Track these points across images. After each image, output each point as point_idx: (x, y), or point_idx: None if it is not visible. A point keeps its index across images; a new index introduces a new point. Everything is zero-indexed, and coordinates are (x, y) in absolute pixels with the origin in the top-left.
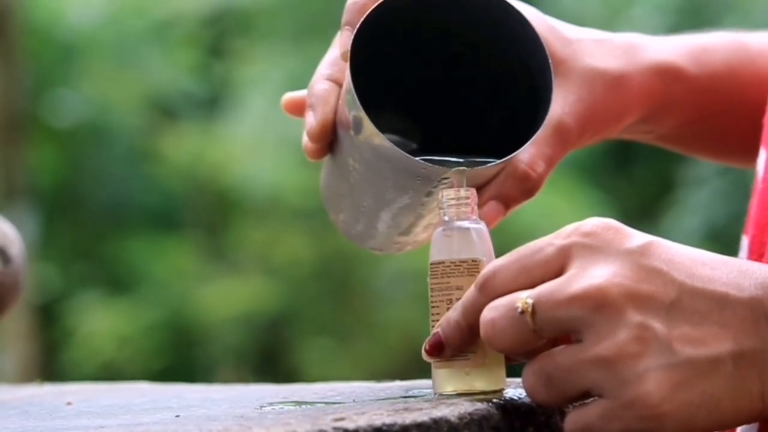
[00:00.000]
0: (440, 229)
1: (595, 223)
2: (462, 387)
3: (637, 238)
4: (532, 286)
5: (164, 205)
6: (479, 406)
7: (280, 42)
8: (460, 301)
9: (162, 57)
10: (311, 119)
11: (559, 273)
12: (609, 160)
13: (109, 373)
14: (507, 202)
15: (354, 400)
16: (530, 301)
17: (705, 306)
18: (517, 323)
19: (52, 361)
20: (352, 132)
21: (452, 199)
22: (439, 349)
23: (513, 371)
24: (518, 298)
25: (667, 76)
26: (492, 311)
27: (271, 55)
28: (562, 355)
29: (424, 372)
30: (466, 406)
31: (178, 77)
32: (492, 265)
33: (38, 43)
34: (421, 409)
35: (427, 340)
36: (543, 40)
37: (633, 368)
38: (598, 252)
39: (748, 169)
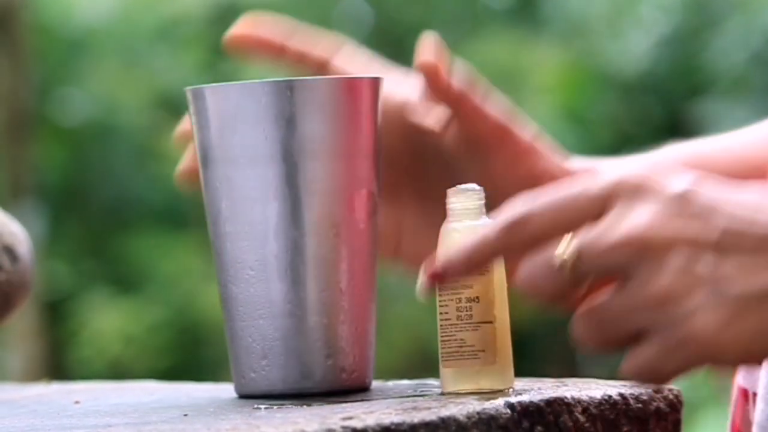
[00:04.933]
0: (448, 226)
1: (631, 173)
2: (471, 386)
3: (680, 181)
4: (569, 230)
5: (171, 204)
6: (488, 405)
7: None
8: (466, 242)
9: (169, 56)
10: None
11: (598, 217)
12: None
13: (116, 371)
14: None
15: (362, 399)
16: (572, 249)
17: (752, 243)
18: (558, 273)
19: (59, 359)
20: None
21: (458, 198)
22: (439, 277)
23: (521, 370)
24: (559, 247)
25: None
26: (531, 263)
27: None
28: (612, 300)
29: (432, 370)
30: (474, 405)
31: (185, 76)
32: (523, 207)
33: (45, 41)
34: (429, 408)
35: (422, 272)
36: None
37: (684, 307)
38: (639, 196)
39: None
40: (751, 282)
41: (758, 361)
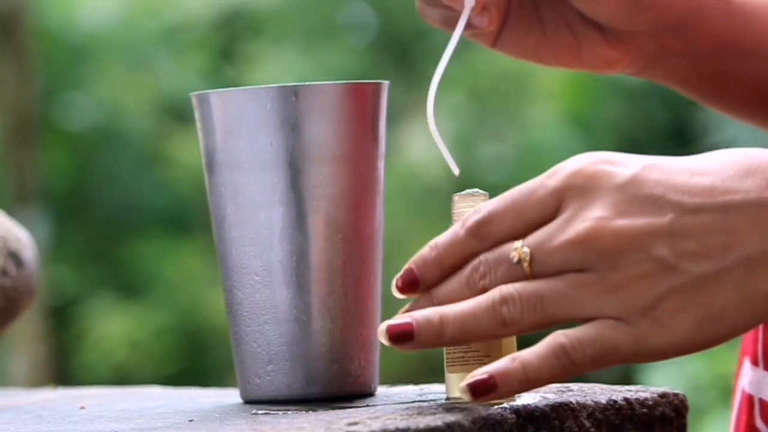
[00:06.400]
0: None
1: (584, 162)
2: None
3: (628, 167)
4: (528, 230)
5: (175, 208)
6: (493, 410)
7: (291, 45)
8: (440, 240)
9: (173, 60)
10: None
11: (553, 216)
12: None
13: (121, 376)
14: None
15: (367, 405)
16: (527, 249)
17: (708, 219)
18: (514, 272)
19: (63, 364)
20: None
21: (464, 204)
22: (412, 286)
23: None
24: (512, 248)
25: None
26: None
27: (281, 59)
28: (563, 283)
29: (437, 376)
30: (479, 411)
31: (190, 81)
32: (485, 209)
33: (50, 46)
34: (434, 413)
35: (396, 276)
36: None
37: (644, 297)
38: (589, 192)
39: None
40: (706, 263)
41: (690, 351)
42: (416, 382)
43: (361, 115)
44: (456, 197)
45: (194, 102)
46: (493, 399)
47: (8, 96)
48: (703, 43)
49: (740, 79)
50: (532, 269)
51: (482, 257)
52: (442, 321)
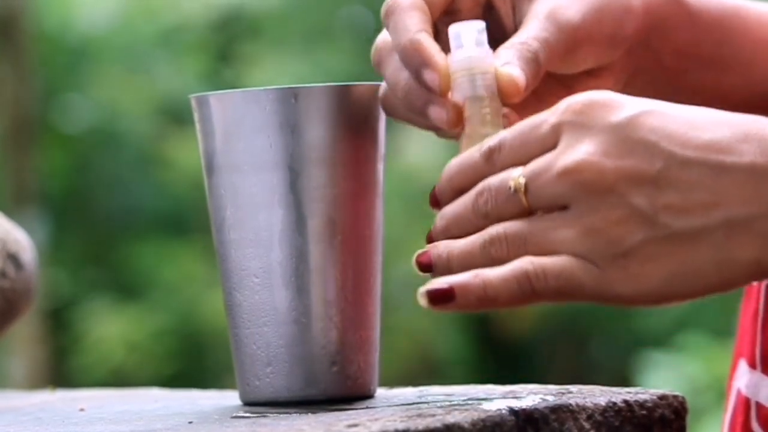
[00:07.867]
0: None
1: (585, 99)
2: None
3: (627, 109)
4: (530, 161)
5: (174, 211)
6: (492, 412)
7: (289, 47)
8: (456, 161)
9: (171, 62)
10: (431, 75)
11: (552, 149)
12: None
13: (119, 378)
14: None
15: (367, 406)
16: (522, 180)
17: (696, 174)
18: (512, 201)
19: (62, 366)
20: None
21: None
22: (435, 202)
23: (525, 378)
24: (510, 177)
25: None
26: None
27: (280, 61)
28: (543, 221)
29: (435, 377)
30: (479, 413)
31: (188, 83)
32: (498, 137)
33: (48, 49)
34: (434, 415)
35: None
36: None
37: (617, 244)
38: (583, 127)
39: None
40: (686, 219)
41: (658, 303)
42: (415, 384)
43: (360, 116)
44: (452, 29)
45: (193, 104)
46: (450, 310)
47: (7, 98)
48: (667, 54)
49: (707, 91)
50: (528, 200)
51: (486, 182)
52: (449, 257)
